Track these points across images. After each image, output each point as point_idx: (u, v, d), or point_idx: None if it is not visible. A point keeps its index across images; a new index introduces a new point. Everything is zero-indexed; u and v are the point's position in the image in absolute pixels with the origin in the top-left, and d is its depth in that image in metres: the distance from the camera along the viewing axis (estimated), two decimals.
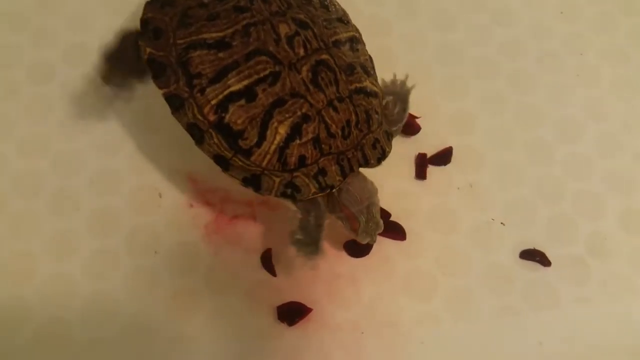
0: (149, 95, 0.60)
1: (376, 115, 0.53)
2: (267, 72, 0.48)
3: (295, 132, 0.49)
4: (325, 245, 0.53)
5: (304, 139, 0.49)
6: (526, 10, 0.69)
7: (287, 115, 0.48)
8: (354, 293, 0.56)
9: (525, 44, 0.68)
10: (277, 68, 0.49)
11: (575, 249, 0.59)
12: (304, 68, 0.49)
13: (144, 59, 0.50)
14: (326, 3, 0.55)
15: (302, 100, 0.49)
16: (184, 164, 0.60)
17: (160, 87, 0.50)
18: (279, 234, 0.57)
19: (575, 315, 0.57)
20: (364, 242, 0.52)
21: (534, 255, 0.58)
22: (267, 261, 0.57)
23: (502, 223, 0.59)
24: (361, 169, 0.52)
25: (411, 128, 0.62)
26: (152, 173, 0.60)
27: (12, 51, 0.64)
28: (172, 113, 0.50)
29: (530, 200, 0.60)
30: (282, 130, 0.48)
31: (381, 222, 0.52)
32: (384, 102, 0.56)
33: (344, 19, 0.55)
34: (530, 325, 0.56)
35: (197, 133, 0.49)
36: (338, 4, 0.56)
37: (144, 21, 0.51)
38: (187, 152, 0.60)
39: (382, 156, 0.53)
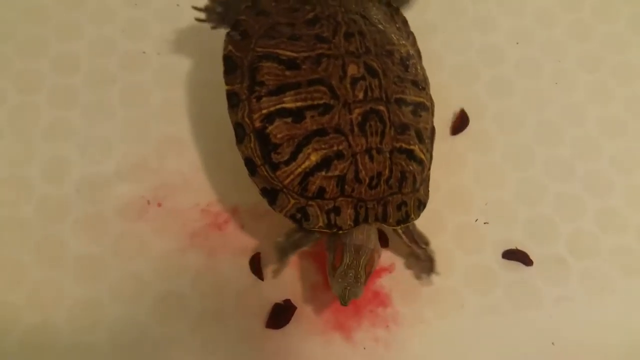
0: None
1: (413, 180, 0.52)
2: (321, 101, 0.50)
3: (324, 163, 0.50)
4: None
5: (330, 174, 0.50)
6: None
7: (323, 146, 0.50)
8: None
9: (505, 50, 0.69)
10: (332, 102, 0.50)
11: (556, 249, 0.60)
12: (357, 111, 0.50)
13: (223, 55, 0.54)
14: (407, 63, 0.55)
15: (342, 138, 0.50)
16: (174, 168, 0.61)
17: (226, 83, 0.53)
18: (267, 239, 0.58)
19: (556, 314, 0.58)
20: (334, 288, 0.50)
21: (516, 255, 0.59)
22: (256, 265, 0.57)
23: (485, 222, 0.60)
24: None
25: None
26: (140, 179, 0.60)
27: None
28: (228, 108, 0.53)
29: (512, 202, 0.62)
30: (314, 158, 0.50)
31: (362, 285, 0.50)
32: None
33: (419, 84, 0.55)
34: (512, 325, 0.57)
35: (240, 133, 0.52)
36: (422, 70, 0.57)
37: (237, 21, 0.54)
38: (175, 157, 0.61)
39: (403, 220, 0.52)
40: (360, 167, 0.50)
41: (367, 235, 0.51)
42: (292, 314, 0.56)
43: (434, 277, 0.57)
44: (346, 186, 0.50)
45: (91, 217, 0.59)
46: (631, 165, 0.64)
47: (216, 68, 0.64)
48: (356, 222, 0.51)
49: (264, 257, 0.58)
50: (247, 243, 0.58)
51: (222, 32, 0.66)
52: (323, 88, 0.50)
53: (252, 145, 0.52)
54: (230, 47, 0.54)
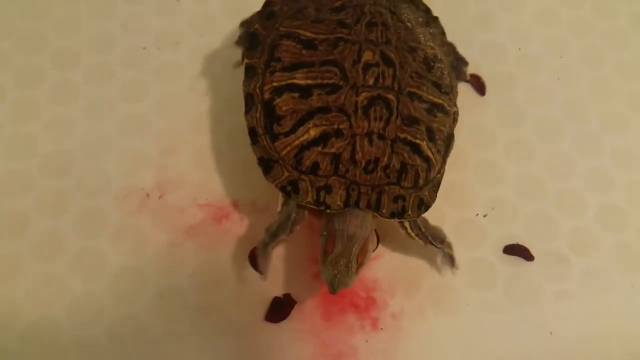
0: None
1: (415, 176, 0.52)
2: (331, 81, 0.51)
3: (322, 139, 0.50)
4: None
5: (326, 150, 0.50)
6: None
7: (324, 123, 0.50)
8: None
9: (505, 46, 0.69)
10: (341, 82, 0.51)
11: (557, 245, 0.60)
12: (364, 94, 0.51)
13: (250, 31, 0.56)
14: (432, 64, 0.55)
15: (344, 118, 0.50)
16: (173, 162, 0.61)
17: (247, 57, 0.55)
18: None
19: (556, 310, 0.57)
20: (324, 275, 0.49)
21: (517, 251, 0.59)
22: (255, 259, 0.57)
23: (484, 215, 0.60)
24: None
25: None
26: (139, 173, 0.60)
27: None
28: (244, 80, 0.54)
29: (513, 198, 0.61)
30: (312, 132, 0.50)
31: (352, 275, 0.48)
32: None
33: (442, 87, 0.55)
34: (512, 320, 0.57)
35: (249, 103, 0.53)
36: (451, 78, 0.57)
37: (267, 2, 0.57)
38: (174, 152, 0.61)
39: (398, 213, 0.51)
40: (358, 148, 0.50)
41: (361, 222, 0.50)
42: (291, 308, 0.56)
43: (450, 270, 0.57)
44: (340, 165, 0.50)
45: (90, 211, 0.59)
46: (633, 161, 0.64)
47: (215, 63, 0.65)
48: (346, 204, 0.50)
49: None
50: (246, 237, 0.58)
51: (222, 30, 0.67)
52: (334, 69, 0.51)
53: (257, 115, 0.52)
54: (257, 26, 0.56)
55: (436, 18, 0.61)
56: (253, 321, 0.55)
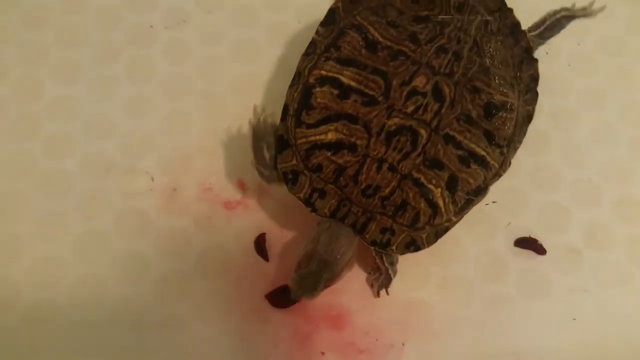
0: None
1: (414, 218, 0.49)
2: (371, 92, 0.50)
3: (335, 146, 0.49)
4: None
5: (334, 158, 0.49)
6: None
7: (345, 132, 0.49)
8: (346, 280, 0.55)
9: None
10: (380, 98, 0.50)
11: (570, 238, 0.58)
12: (395, 120, 0.49)
13: (331, 7, 0.54)
14: (494, 112, 0.51)
15: (365, 136, 0.49)
16: (179, 146, 0.60)
17: (316, 32, 0.54)
18: (272, 220, 0.57)
19: (568, 303, 0.56)
20: (292, 282, 0.49)
21: (529, 244, 0.58)
22: (260, 246, 0.56)
23: (493, 202, 0.59)
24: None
25: None
26: (144, 156, 0.59)
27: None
28: (303, 54, 0.54)
29: (526, 189, 0.60)
30: (330, 136, 0.50)
31: (317, 293, 0.49)
32: None
33: (495, 139, 0.51)
34: (522, 313, 0.56)
35: (295, 79, 0.53)
36: (515, 131, 0.53)
37: None
38: (180, 135, 0.60)
39: (381, 244, 0.50)
40: (364, 170, 0.49)
41: (343, 252, 0.49)
42: (293, 303, 0.55)
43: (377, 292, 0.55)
44: (342, 178, 0.49)
45: (94, 193, 0.58)
46: None
47: (223, 43, 0.64)
48: (332, 215, 0.50)
49: (269, 238, 0.57)
50: (251, 223, 0.57)
51: (230, 8, 0.65)
52: (381, 82, 0.50)
53: (295, 94, 0.52)
54: (340, 4, 0.54)
55: (534, 60, 0.55)
56: (257, 307, 0.55)
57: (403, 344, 0.54)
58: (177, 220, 0.57)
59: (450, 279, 0.57)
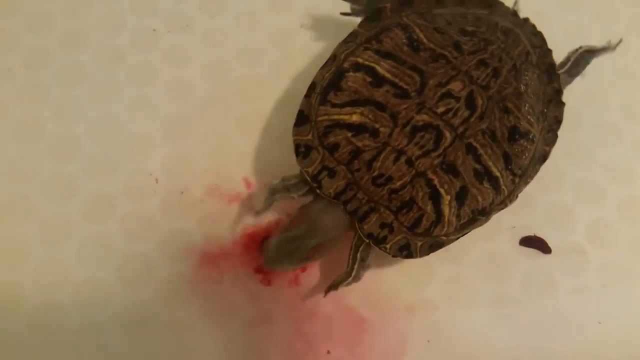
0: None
1: (416, 220, 0.49)
2: (405, 87, 0.50)
3: (358, 129, 0.49)
4: None
5: (353, 140, 0.49)
6: None
7: (370, 117, 0.49)
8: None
9: None
10: (412, 94, 0.49)
11: (575, 238, 0.58)
12: (424, 116, 0.49)
13: (379, 6, 0.55)
14: (517, 138, 0.51)
15: (390, 125, 0.49)
16: (182, 148, 0.60)
17: (359, 26, 0.54)
18: (279, 221, 0.57)
19: (573, 303, 0.56)
20: (271, 244, 0.48)
21: (534, 243, 0.58)
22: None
23: None
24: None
25: None
26: (148, 159, 0.59)
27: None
28: (342, 41, 0.54)
29: (531, 188, 0.59)
30: (355, 118, 0.49)
31: (291, 264, 0.48)
32: None
33: (511, 166, 0.50)
34: (527, 312, 0.56)
35: (330, 61, 0.53)
36: (529, 164, 0.52)
37: None
38: (183, 137, 0.60)
39: (376, 240, 0.49)
40: (381, 158, 0.49)
41: (336, 225, 0.49)
42: None
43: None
44: (356, 161, 0.49)
45: (98, 196, 0.58)
46: None
47: (226, 47, 0.64)
48: (337, 197, 0.49)
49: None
50: (256, 224, 0.57)
51: (233, 12, 0.65)
52: (417, 79, 0.50)
53: (326, 74, 0.52)
54: (388, 5, 0.54)
55: (562, 103, 0.55)
56: (260, 311, 0.55)
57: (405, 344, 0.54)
58: (182, 223, 0.57)
59: (455, 278, 0.56)
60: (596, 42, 0.62)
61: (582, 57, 0.59)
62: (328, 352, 0.53)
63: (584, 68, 0.60)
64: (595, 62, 0.65)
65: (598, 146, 0.62)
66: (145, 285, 0.55)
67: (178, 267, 0.56)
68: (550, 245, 0.58)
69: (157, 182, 0.58)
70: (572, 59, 0.59)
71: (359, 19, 0.56)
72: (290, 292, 0.55)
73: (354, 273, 0.52)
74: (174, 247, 0.56)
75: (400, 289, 0.55)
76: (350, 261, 0.52)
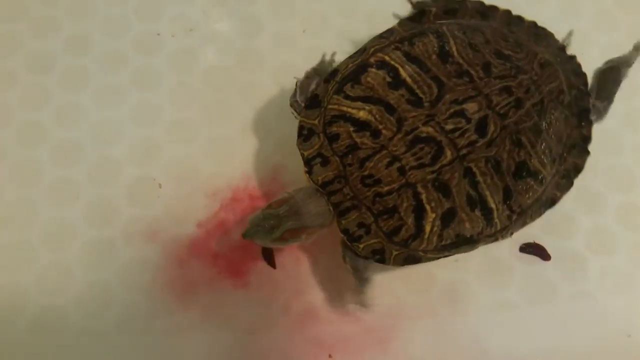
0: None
1: (395, 228, 0.48)
2: (420, 95, 0.49)
3: (361, 125, 0.49)
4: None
5: (354, 135, 0.49)
6: None
7: (377, 117, 0.49)
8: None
9: None
10: (425, 104, 0.49)
11: (575, 244, 0.59)
12: (429, 129, 0.48)
13: (424, 9, 0.57)
14: (524, 175, 0.50)
15: (394, 129, 0.49)
16: (186, 153, 0.60)
17: (399, 23, 0.55)
18: None
19: (572, 310, 0.57)
20: (252, 218, 0.49)
21: (533, 249, 0.58)
22: (268, 253, 0.57)
23: None
24: None
25: None
26: (151, 163, 0.59)
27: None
28: (377, 35, 0.54)
29: None
30: (361, 114, 0.49)
31: (269, 239, 0.49)
32: None
33: (510, 203, 0.49)
34: (527, 320, 0.56)
35: (359, 53, 0.53)
36: (533, 206, 0.51)
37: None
38: (187, 142, 0.60)
39: (350, 238, 0.49)
40: (375, 159, 0.48)
41: (319, 212, 0.49)
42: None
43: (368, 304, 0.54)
44: (350, 156, 0.49)
45: (101, 200, 0.58)
46: None
47: (229, 52, 0.64)
48: (323, 186, 0.49)
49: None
50: None
51: (237, 17, 0.65)
52: (434, 91, 0.49)
53: (350, 64, 0.52)
54: (433, 10, 0.55)
55: (586, 152, 0.55)
56: (263, 318, 0.55)
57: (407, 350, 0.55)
58: (184, 228, 0.57)
59: (455, 285, 0.57)
60: (597, 51, 0.63)
61: (604, 75, 0.58)
62: (330, 356, 0.54)
63: (612, 86, 0.58)
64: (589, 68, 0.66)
65: (598, 153, 0.62)
66: (148, 289, 0.55)
67: (181, 272, 0.56)
68: (549, 251, 0.58)
69: (160, 187, 0.59)
70: (596, 80, 0.57)
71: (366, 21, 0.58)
72: (291, 298, 0.56)
73: (357, 284, 0.52)
74: (177, 252, 0.57)
75: (401, 295, 0.56)
76: (348, 269, 0.52)
